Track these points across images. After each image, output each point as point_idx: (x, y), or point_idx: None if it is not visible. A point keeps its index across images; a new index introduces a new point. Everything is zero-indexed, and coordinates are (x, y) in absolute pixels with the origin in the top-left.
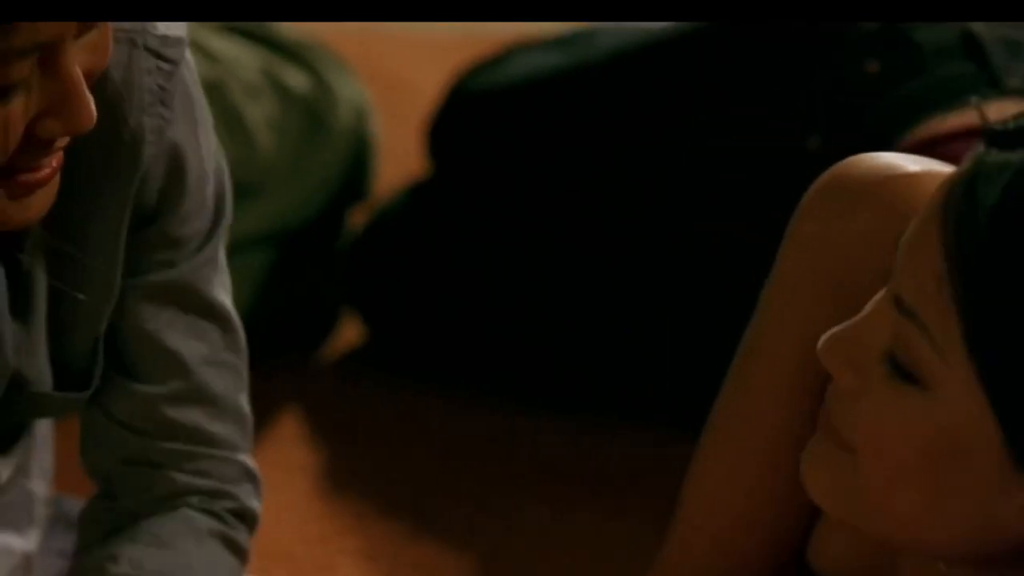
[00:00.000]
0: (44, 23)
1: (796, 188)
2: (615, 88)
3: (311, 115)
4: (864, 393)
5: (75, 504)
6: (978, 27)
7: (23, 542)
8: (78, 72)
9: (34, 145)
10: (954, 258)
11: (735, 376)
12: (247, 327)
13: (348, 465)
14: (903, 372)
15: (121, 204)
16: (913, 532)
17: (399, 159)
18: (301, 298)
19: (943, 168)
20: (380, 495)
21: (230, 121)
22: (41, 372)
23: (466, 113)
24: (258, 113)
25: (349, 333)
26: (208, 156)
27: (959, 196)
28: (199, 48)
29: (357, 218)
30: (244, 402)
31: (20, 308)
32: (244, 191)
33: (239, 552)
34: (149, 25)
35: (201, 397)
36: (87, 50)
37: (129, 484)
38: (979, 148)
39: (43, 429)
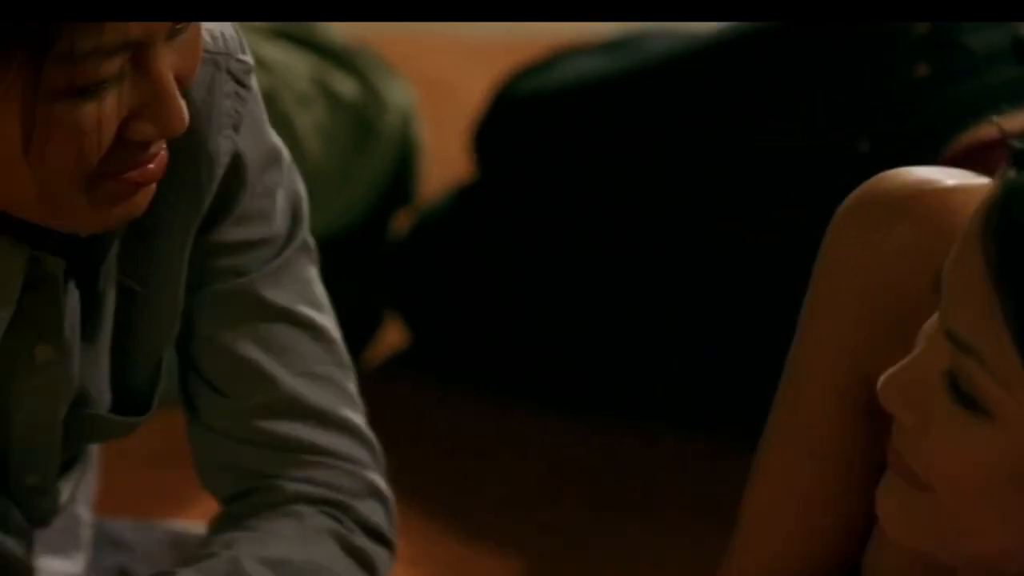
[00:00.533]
0: (135, 23)
1: (846, 191)
2: (664, 93)
3: (360, 122)
4: (929, 428)
5: (117, 526)
6: None
7: (70, 565)
8: (169, 73)
9: (127, 148)
10: (1000, 284)
11: (782, 396)
12: None
13: (388, 467)
14: (967, 402)
15: (188, 222)
16: (995, 555)
17: (443, 162)
18: (344, 301)
19: (977, 181)
20: (420, 497)
21: (281, 129)
22: (102, 394)
23: (513, 117)
24: (308, 121)
25: (392, 336)
26: (274, 165)
27: (995, 221)
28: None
29: (401, 221)
30: (354, 416)
31: (88, 330)
32: None
33: (358, 556)
34: (232, 49)
35: (298, 410)
36: (178, 53)
37: (242, 494)
38: (1007, 168)
39: (91, 453)
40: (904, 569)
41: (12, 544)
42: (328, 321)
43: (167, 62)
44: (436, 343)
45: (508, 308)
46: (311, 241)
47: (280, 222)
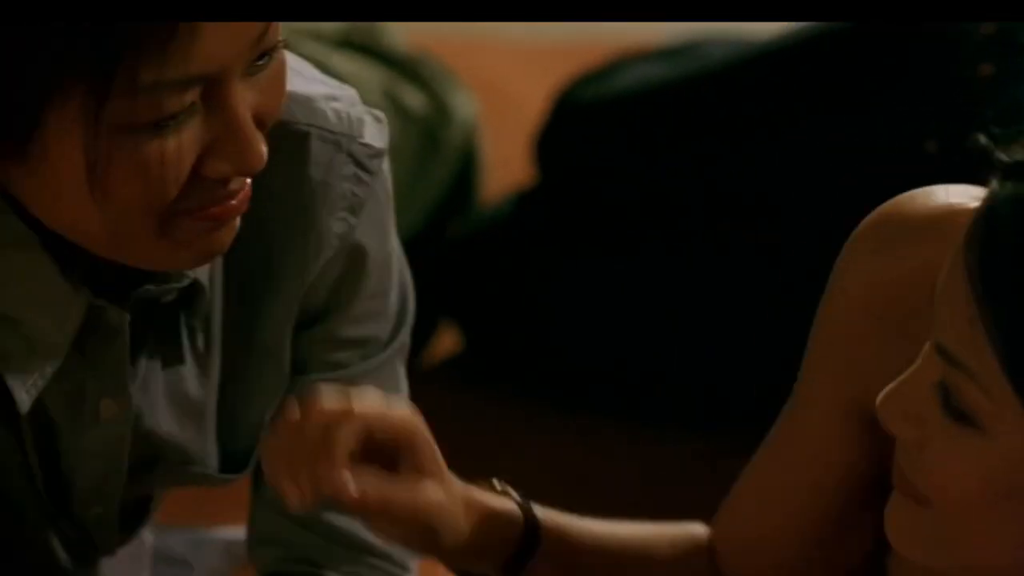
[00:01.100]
0: (207, 55)
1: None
2: (725, 99)
3: (426, 134)
4: (927, 443)
5: (172, 540)
6: None
7: None
8: (244, 109)
9: (205, 185)
10: (982, 298)
11: (792, 404)
12: None
13: None
14: (958, 416)
15: (292, 295)
16: (998, 568)
17: (498, 167)
18: None
19: None
20: None
21: None
22: (208, 455)
23: (574, 123)
24: None
25: (446, 342)
26: (393, 266)
27: (978, 235)
28: (324, 71)
29: (456, 226)
30: None
31: (173, 388)
32: None
33: None
34: (357, 132)
35: None
36: (258, 90)
37: (283, 574)
38: (993, 182)
39: None
40: None
41: (78, 572)
42: None
43: (243, 99)
44: (491, 349)
45: (565, 313)
46: (407, 340)
47: (388, 323)
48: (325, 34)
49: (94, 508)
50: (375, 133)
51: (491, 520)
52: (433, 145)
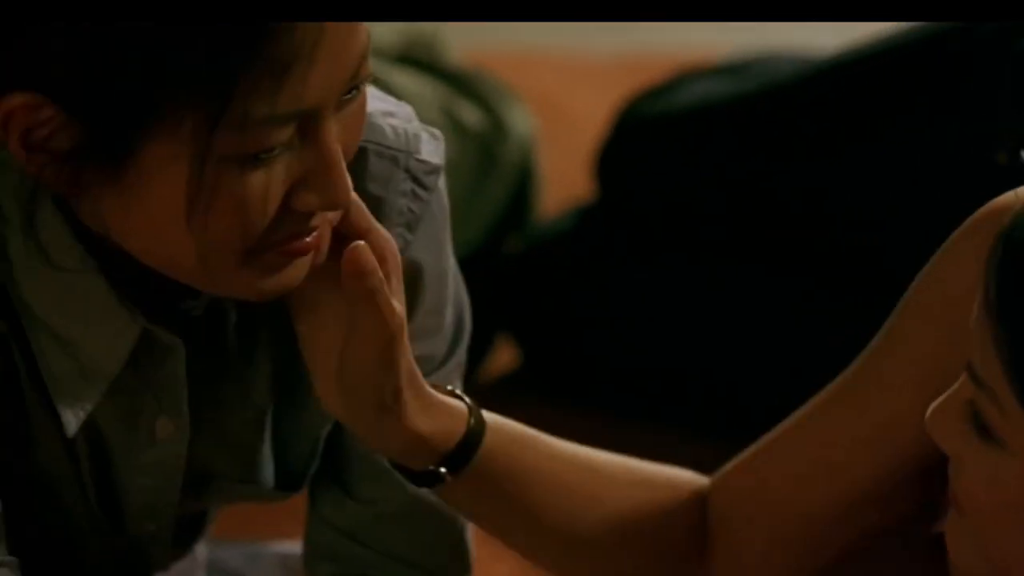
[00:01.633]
0: (314, 89)
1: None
2: (789, 115)
3: (484, 151)
4: (963, 457)
5: (227, 554)
6: None
7: None
8: (336, 144)
9: (291, 219)
10: (995, 315)
11: (865, 362)
12: None
13: None
14: (984, 433)
15: None
16: None
17: (554, 182)
18: None
19: None
20: None
21: None
22: (264, 472)
23: (636, 139)
24: None
25: (503, 357)
26: (448, 283)
27: (996, 256)
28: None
29: (513, 242)
30: (468, 538)
31: (229, 407)
32: None
33: None
34: (414, 148)
35: (415, 521)
36: (343, 124)
37: None
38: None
39: None
40: None
41: None
42: None
43: (334, 132)
44: (548, 363)
45: (623, 328)
46: (464, 357)
47: (445, 340)
48: (383, 50)
49: (148, 525)
50: (432, 149)
51: (438, 408)
52: (490, 161)
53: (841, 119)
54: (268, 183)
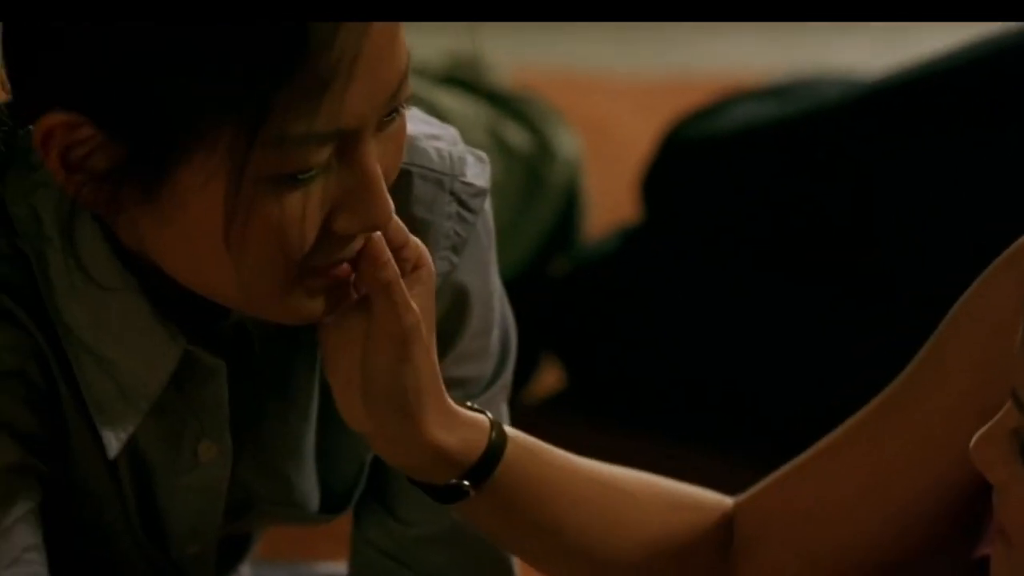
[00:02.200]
0: (352, 108)
1: None
2: (836, 137)
3: (530, 173)
4: (1009, 486)
5: (269, 572)
6: None
7: None
8: (376, 165)
9: (331, 242)
10: None
11: (912, 374)
12: None
13: None
14: None
15: None
16: None
17: (600, 205)
18: None
19: None
20: None
21: None
22: (308, 495)
23: (682, 160)
24: None
25: (549, 378)
26: (495, 305)
27: None
28: (430, 108)
29: (559, 263)
30: (511, 561)
31: (293, 431)
32: None
33: None
34: (459, 171)
35: (459, 543)
36: (383, 147)
37: None
38: None
39: None
40: None
41: None
42: None
43: (374, 154)
44: (594, 384)
45: (669, 349)
46: (510, 380)
47: (491, 362)
48: (429, 71)
49: (191, 547)
50: (477, 172)
51: (460, 420)
52: (537, 183)
53: (886, 141)
54: (306, 205)
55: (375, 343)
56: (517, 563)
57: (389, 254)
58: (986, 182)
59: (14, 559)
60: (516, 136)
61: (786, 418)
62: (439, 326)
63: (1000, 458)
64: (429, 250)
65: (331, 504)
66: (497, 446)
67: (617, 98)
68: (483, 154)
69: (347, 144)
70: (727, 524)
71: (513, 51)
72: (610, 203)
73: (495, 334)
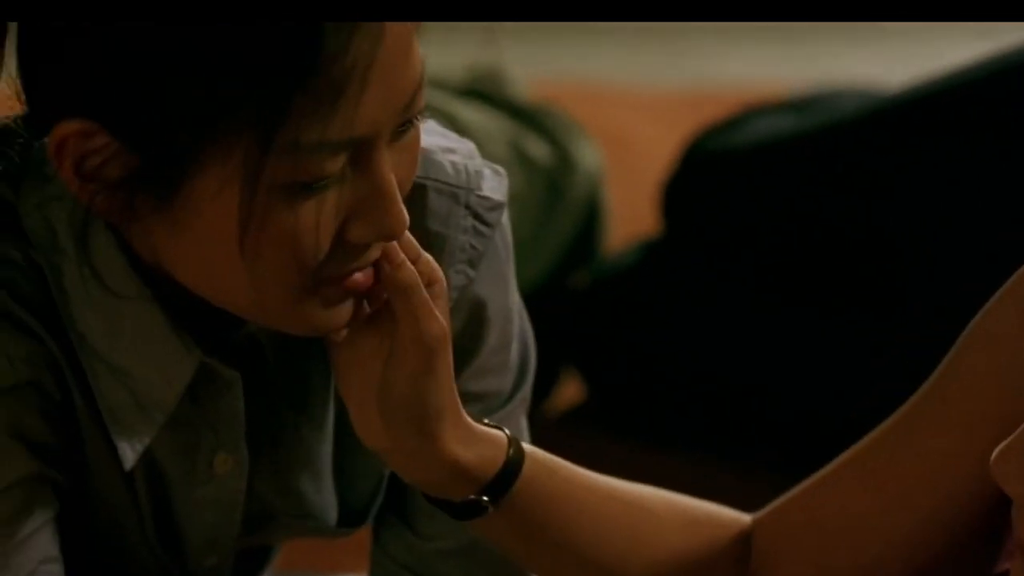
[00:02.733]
0: (367, 117)
1: None
2: (856, 151)
3: (551, 186)
4: None
5: None
6: None
7: None
8: (391, 174)
9: (345, 252)
10: None
11: (930, 397)
12: None
13: None
14: None
15: None
16: None
17: (621, 217)
18: None
19: None
20: None
21: None
22: (326, 509)
23: (703, 174)
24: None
25: (569, 392)
26: (514, 319)
27: None
28: (450, 120)
29: (579, 276)
30: None
31: (288, 443)
32: None
33: None
34: (475, 185)
35: (478, 557)
36: (398, 157)
37: None
38: None
39: None
40: None
41: None
42: None
43: (388, 163)
44: (614, 397)
45: (689, 363)
46: (529, 394)
47: (510, 376)
48: (450, 84)
49: (208, 559)
50: (494, 185)
51: (477, 436)
52: (557, 195)
53: (905, 154)
54: (320, 213)
55: (399, 354)
56: None
57: (404, 257)
58: (1005, 196)
59: (31, 571)
60: (537, 149)
61: (804, 431)
62: (457, 341)
63: (1019, 473)
64: (444, 264)
65: (349, 517)
66: (515, 462)
67: (637, 111)
68: (501, 168)
69: (361, 153)
70: (745, 540)
71: (534, 64)
72: (630, 216)
73: (514, 348)
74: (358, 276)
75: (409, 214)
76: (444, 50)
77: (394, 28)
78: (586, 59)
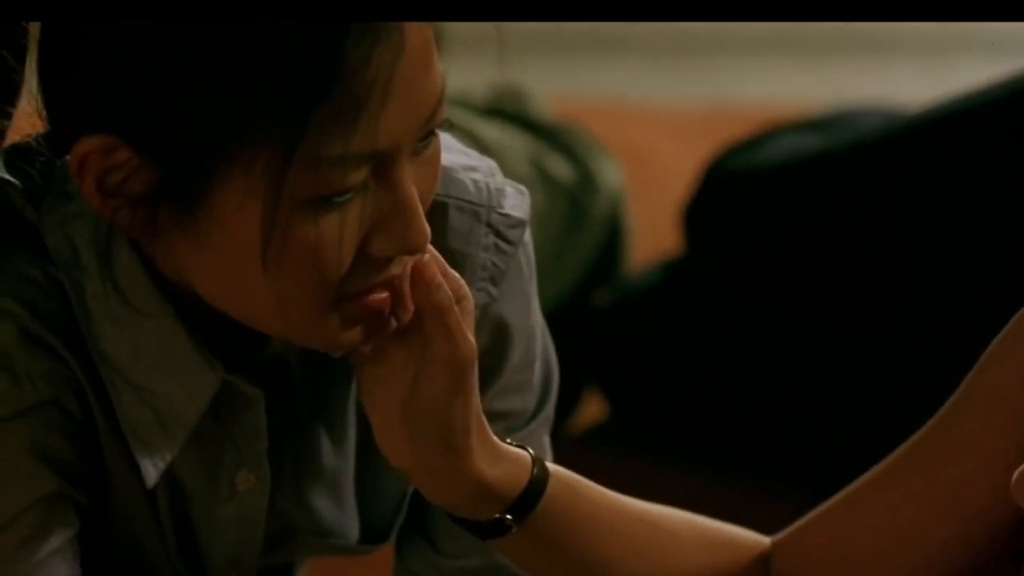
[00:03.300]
0: (389, 130)
1: None
2: (879, 170)
3: (573, 205)
4: None
5: None
6: None
7: None
8: (412, 187)
9: (369, 265)
10: None
11: (955, 411)
12: None
13: None
14: None
15: None
16: None
17: (643, 236)
18: None
19: None
20: None
21: None
22: (348, 526)
23: (725, 193)
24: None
25: (591, 410)
26: (536, 337)
27: None
28: (472, 138)
29: (601, 295)
30: None
31: (311, 461)
32: None
33: None
34: (496, 203)
35: None
36: (419, 171)
37: None
38: None
39: None
40: None
41: None
42: None
43: (411, 176)
44: (637, 416)
45: (711, 381)
46: (552, 412)
47: (533, 395)
48: (472, 102)
49: (230, 574)
50: (516, 203)
51: (502, 454)
52: (579, 214)
53: (928, 175)
54: (343, 227)
55: (428, 372)
56: None
57: (441, 277)
58: None
59: None
60: (559, 167)
61: (826, 450)
62: (480, 360)
63: None
64: (466, 282)
65: (371, 535)
66: (539, 481)
67: (659, 129)
68: (523, 186)
69: (383, 166)
70: (764, 562)
71: (555, 82)
72: (652, 234)
73: (537, 367)
74: (378, 296)
75: (431, 233)
76: (466, 68)
77: (414, 40)
78: (608, 78)
